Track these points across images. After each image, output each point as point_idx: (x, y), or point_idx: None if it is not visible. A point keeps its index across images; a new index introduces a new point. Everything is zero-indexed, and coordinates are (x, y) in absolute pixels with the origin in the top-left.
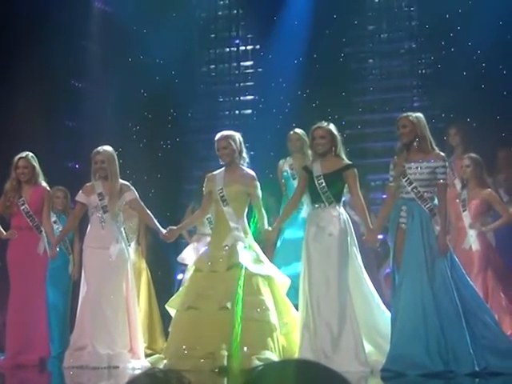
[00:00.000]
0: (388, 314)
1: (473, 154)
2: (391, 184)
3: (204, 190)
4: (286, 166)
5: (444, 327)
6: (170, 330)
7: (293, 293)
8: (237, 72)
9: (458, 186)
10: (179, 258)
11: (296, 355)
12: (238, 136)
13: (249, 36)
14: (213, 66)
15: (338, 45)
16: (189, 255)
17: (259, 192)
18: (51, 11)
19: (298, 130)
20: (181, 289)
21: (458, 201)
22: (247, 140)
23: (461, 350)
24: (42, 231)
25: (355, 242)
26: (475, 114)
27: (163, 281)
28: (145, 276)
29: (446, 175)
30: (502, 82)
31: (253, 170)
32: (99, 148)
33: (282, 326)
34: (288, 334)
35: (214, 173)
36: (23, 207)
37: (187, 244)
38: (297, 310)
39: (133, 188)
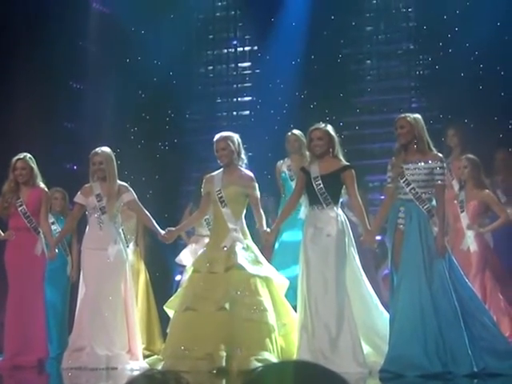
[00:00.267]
0: (386, 315)
1: (470, 155)
2: (389, 185)
3: (202, 191)
4: (284, 167)
5: (442, 328)
6: (168, 331)
7: (291, 294)
8: (234, 73)
9: (456, 187)
10: (177, 259)
11: (294, 356)
12: (236, 137)
13: (246, 37)
14: (211, 67)
15: (335, 46)
16: (187, 256)
17: (257, 193)
18: (50, 13)
19: (295, 131)
20: (179, 290)
21: (455, 202)
22: (245, 141)
23: (459, 351)
24: (39, 232)
25: (353, 243)
26: (473, 114)
27: (161, 282)
28: (143, 277)
29: (443, 176)
30: (499, 83)
31: (251, 171)
32: (97, 149)
33: (281, 327)
34: (286, 335)
35: (213, 174)
36: (21, 208)
37: (185, 245)
38: (295, 311)
39: (131, 189)
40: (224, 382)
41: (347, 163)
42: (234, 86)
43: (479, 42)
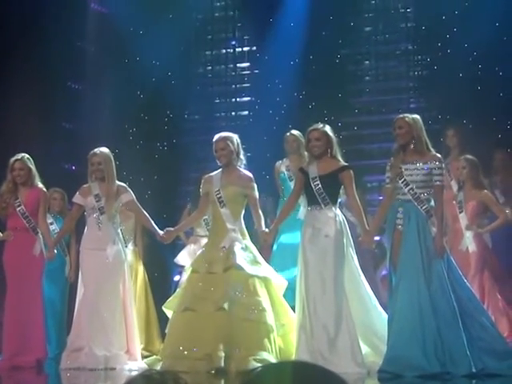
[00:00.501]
0: (385, 316)
1: (469, 156)
2: (388, 185)
3: (201, 191)
4: (282, 167)
5: (441, 329)
6: (166, 331)
7: (290, 294)
8: (233, 73)
9: (455, 187)
10: (176, 260)
11: (293, 356)
12: (235, 138)
13: (245, 37)
14: (209, 68)
15: (334, 46)
16: (186, 256)
17: (256, 193)
18: (48, 13)
19: (294, 132)
20: (178, 290)
21: (454, 202)
22: (243, 141)
23: (457, 351)
24: (38, 232)
25: (351, 244)
26: (471, 115)
27: (160, 282)
28: (141, 277)
29: (442, 177)
30: (498, 84)
31: (249, 171)
32: (96, 150)
33: (279, 328)
34: (285, 336)
35: (211, 174)
36: (19, 208)
37: (184, 245)
38: (294, 311)
39: (129, 189)
40: (223, 382)
41: (345, 163)
42: (233, 86)
43: (478, 42)
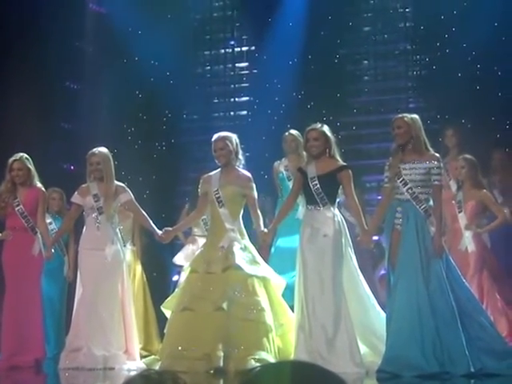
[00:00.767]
0: (383, 315)
1: (468, 156)
2: (386, 185)
3: (199, 191)
4: (281, 167)
5: (439, 328)
6: (165, 331)
7: (288, 294)
8: (232, 73)
9: (454, 187)
10: (174, 259)
11: (291, 356)
12: (234, 137)
13: (244, 37)
14: (208, 68)
15: (332, 46)
16: (184, 256)
17: (255, 193)
18: (46, 12)
19: (293, 131)
20: (176, 290)
21: (453, 202)
22: (242, 141)
23: (456, 351)
24: (36, 232)
25: (350, 243)
26: (470, 115)
27: (159, 282)
28: (139, 277)
29: (440, 176)
30: (496, 84)
31: (248, 171)
32: (94, 149)
33: (278, 327)
34: (284, 335)
35: (210, 174)
36: (18, 208)
37: (182, 245)
38: (292, 311)
39: (128, 189)
40: (221, 382)
41: (344, 163)
42: (232, 86)
43: (476, 42)
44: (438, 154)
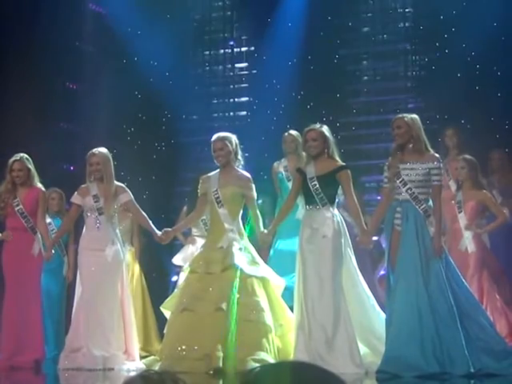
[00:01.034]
0: (383, 316)
1: (467, 156)
2: (386, 185)
3: (199, 191)
4: (280, 167)
5: (439, 329)
6: (165, 331)
7: (288, 294)
8: (231, 74)
9: (453, 187)
10: (174, 260)
11: (291, 357)
12: (234, 138)
13: (243, 38)
14: (207, 68)
15: (332, 46)
16: (183, 257)
17: (254, 194)
18: (45, 13)
19: (292, 132)
20: (176, 290)
21: (453, 202)
22: (241, 141)
23: (456, 351)
24: (36, 232)
25: (349, 244)
26: (469, 115)
27: (158, 282)
28: (138, 278)
29: (440, 176)
30: (496, 84)
31: (247, 171)
32: (94, 150)
33: (278, 328)
34: (283, 336)
35: (209, 174)
36: (18, 208)
37: (182, 246)
38: (292, 311)
39: (128, 190)
40: (221, 382)
41: (343, 163)
42: (231, 86)
43: (476, 42)
44: (437, 155)
